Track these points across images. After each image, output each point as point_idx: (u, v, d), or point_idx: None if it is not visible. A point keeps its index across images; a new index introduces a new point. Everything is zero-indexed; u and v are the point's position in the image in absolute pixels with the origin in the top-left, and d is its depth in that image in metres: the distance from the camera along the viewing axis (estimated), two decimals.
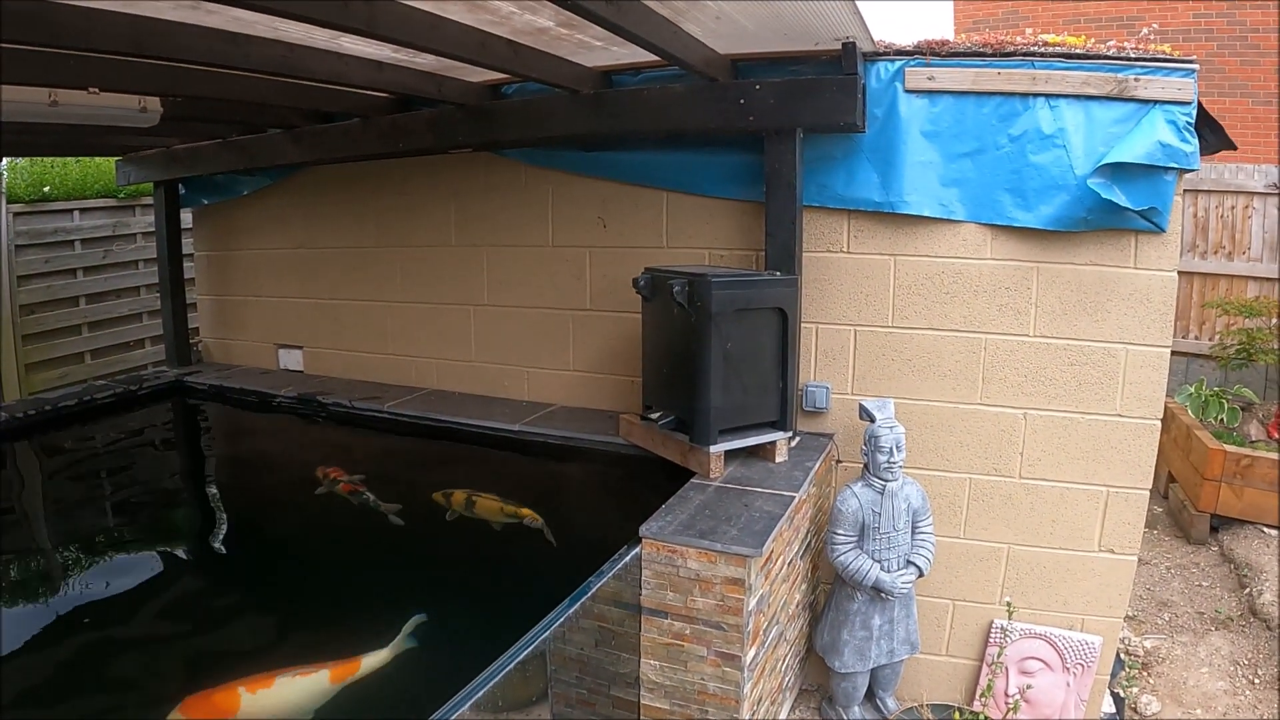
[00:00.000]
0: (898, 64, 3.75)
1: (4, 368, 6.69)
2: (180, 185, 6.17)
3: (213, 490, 5.43)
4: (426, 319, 5.32)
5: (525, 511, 4.12)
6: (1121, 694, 4.19)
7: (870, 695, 3.96)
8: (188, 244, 6.43)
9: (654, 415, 3.85)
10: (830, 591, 3.90)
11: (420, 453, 4.85)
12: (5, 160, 7.07)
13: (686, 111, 3.93)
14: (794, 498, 3.41)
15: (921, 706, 3.96)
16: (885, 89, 3.78)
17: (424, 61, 3.87)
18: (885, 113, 3.79)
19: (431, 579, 3.96)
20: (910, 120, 3.77)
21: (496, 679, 2.40)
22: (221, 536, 4.84)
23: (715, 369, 3.47)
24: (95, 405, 5.74)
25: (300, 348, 5.91)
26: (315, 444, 5.11)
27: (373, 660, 3.31)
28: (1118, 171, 3.43)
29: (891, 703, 3.96)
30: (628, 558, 3.11)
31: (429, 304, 5.29)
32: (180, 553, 4.70)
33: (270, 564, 4.46)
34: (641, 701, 3.27)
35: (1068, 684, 3.86)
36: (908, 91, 3.75)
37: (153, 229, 7.24)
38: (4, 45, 2.85)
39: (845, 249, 4.01)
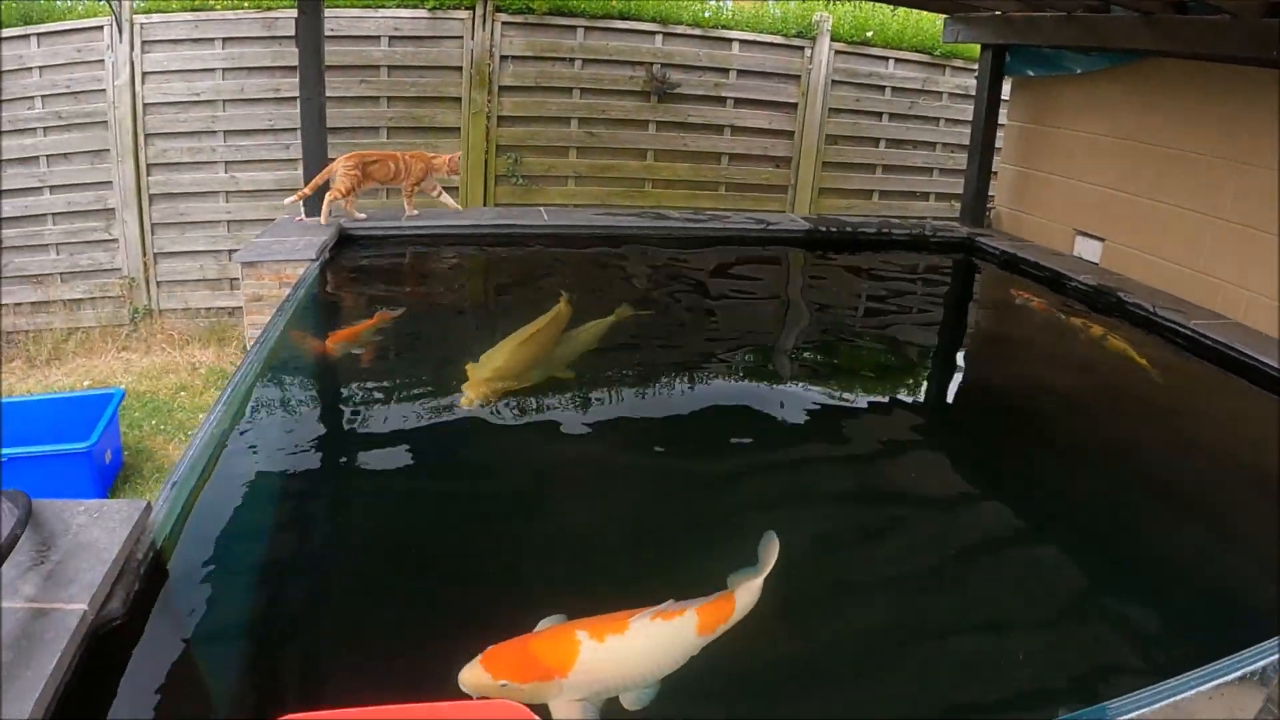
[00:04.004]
0: None
1: (800, 185, 7.66)
2: (1007, 53, 6.16)
3: (956, 350, 5.36)
4: (1247, 244, 4.73)
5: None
6: None
7: None
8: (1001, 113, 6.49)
9: None
10: None
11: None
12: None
13: None
14: None
15: None
16: None
17: None
18: None
19: None
20: None
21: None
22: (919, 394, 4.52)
23: None
24: (890, 239, 6.44)
25: (1101, 240, 5.73)
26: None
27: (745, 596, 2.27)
28: None
29: None
30: None
31: (1257, 230, 4.68)
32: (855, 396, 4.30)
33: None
34: None
35: None
36: None
37: (959, 90, 7.50)
38: None
39: None
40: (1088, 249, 5.83)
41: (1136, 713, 1.77)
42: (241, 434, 3.06)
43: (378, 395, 3.72)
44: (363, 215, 5.63)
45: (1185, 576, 2.81)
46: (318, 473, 3.08)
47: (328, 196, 5.41)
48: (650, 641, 2.05)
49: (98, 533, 2.01)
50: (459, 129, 6.81)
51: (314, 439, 3.27)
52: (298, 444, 3.18)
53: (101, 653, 1.76)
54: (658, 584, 2.20)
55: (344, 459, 3.18)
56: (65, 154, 6.25)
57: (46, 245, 6.36)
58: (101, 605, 1.81)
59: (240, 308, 6.29)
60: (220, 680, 1.99)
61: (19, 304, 6.37)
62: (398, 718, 1.55)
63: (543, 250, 5.93)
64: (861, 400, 4.14)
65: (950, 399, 4.50)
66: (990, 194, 6.75)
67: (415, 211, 5.77)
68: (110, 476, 4.49)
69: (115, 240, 6.42)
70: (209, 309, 6.67)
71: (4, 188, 6.12)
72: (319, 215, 5.46)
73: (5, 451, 4.02)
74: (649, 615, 2.07)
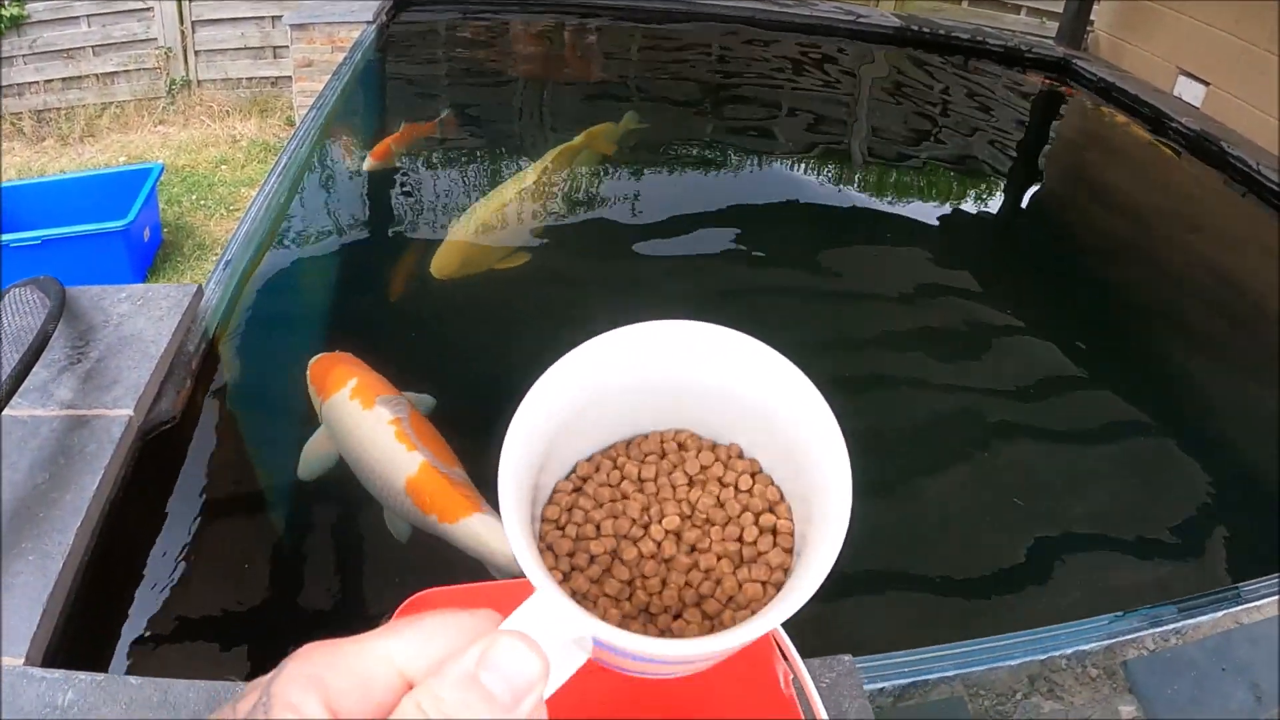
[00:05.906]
0: None
1: None
2: None
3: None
4: None
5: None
6: None
7: None
8: None
9: None
10: None
11: None
12: None
13: None
14: None
15: None
16: None
17: None
18: None
19: None
20: None
21: None
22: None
23: None
24: (983, 48, 6.00)
25: (1206, 84, 5.23)
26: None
27: None
28: None
29: None
30: None
31: None
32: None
33: None
34: None
35: None
36: None
37: None
38: None
39: None
40: (1189, 91, 5.32)
41: None
42: (301, 206, 2.86)
43: (434, 182, 3.45)
44: None
45: None
46: (380, 250, 2.88)
47: None
48: None
49: (143, 323, 1.84)
50: None
51: (377, 214, 3.06)
52: (357, 219, 2.99)
53: (149, 460, 1.60)
54: None
55: (406, 232, 2.98)
56: None
57: (77, 17, 5.92)
58: (150, 408, 1.65)
59: (284, 77, 5.96)
60: (281, 481, 1.87)
61: (50, 80, 6.01)
62: None
63: (613, 24, 5.51)
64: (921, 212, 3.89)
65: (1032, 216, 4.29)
66: (1091, 17, 6.16)
67: None
68: (149, 255, 4.37)
69: (150, 9, 5.98)
70: (250, 79, 6.28)
71: None
72: None
73: (38, 233, 3.88)
74: None
